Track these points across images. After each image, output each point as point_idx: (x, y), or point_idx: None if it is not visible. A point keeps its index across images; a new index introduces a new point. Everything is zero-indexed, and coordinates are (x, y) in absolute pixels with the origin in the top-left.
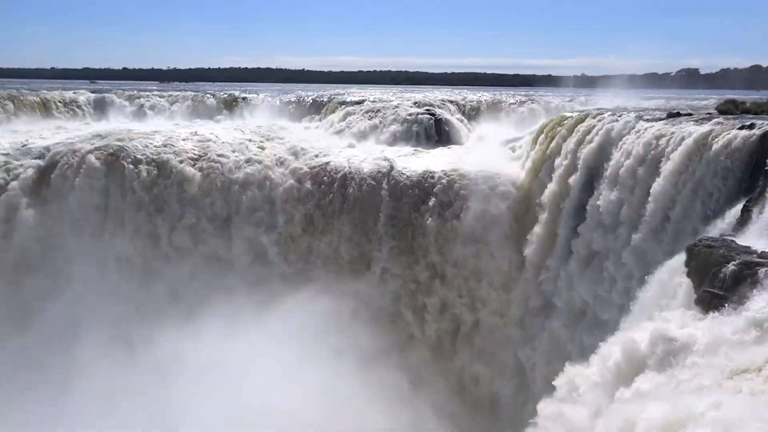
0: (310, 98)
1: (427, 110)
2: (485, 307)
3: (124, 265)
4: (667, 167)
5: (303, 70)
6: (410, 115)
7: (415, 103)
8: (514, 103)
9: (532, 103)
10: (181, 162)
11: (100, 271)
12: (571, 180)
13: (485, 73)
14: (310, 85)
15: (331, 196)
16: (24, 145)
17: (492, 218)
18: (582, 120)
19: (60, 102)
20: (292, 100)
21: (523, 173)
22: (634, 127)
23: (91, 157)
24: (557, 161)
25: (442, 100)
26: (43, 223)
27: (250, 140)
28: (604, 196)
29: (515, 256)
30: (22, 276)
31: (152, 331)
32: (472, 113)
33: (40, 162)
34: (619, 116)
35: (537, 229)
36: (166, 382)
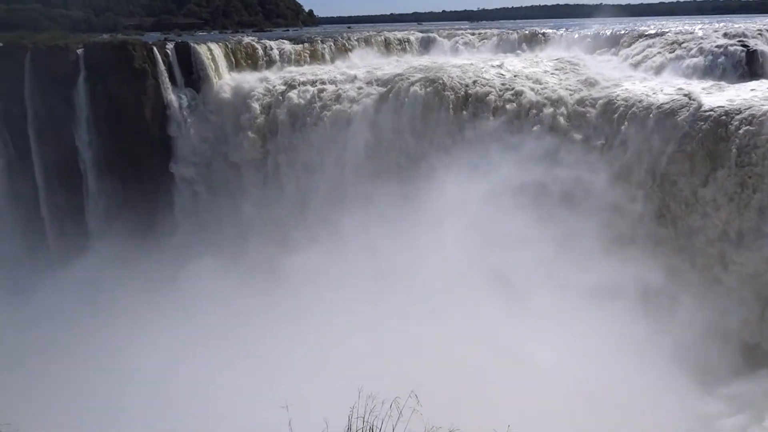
0: (607, 32)
1: (740, 41)
2: None
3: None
4: None
5: (600, 4)
6: (717, 46)
7: (724, 34)
8: None
9: None
10: (483, 87)
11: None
12: None
13: None
14: (609, 19)
15: (618, 128)
16: (372, 74)
17: None
18: None
19: (396, 41)
20: (588, 33)
21: None
22: None
23: (416, 84)
24: None
25: (760, 30)
26: (376, 134)
27: (545, 71)
28: None
29: None
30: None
31: None
32: None
33: (382, 88)
34: None
35: None
36: None
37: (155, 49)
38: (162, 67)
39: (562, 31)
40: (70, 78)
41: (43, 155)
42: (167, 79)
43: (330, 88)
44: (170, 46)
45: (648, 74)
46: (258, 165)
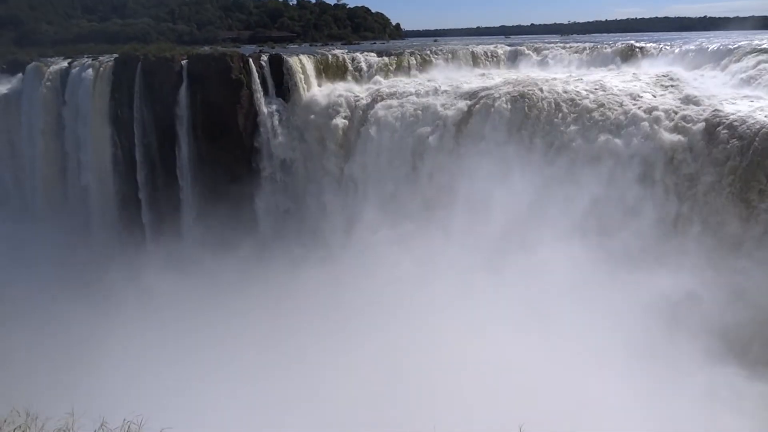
0: (712, 46)
1: None
2: None
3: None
4: None
5: (704, 17)
6: None
7: None
8: None
9: None
10: (573, 102)
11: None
12: None
13: None
14: (714, 33)
15: (725, 152)
16: (458, 88)
17: None
18: None
19: (483, 54)
20: (691, 48)
21: None
22: None
23: (503, 98)
24: None
25: None
26: (460, 147)
27: (641, 87)
28: None
29: None
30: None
31: None
32: None
33: (468, 101)
34: None
35: None
36: None
37: (251, 60)
38: (256, 77)
39: (660, 45)
40: (173, 86)
41: (145, 156)
42: (260, 89)
43: (415, 100)
44: (265, 58)
45: (761, 92)
46: (337, 173)
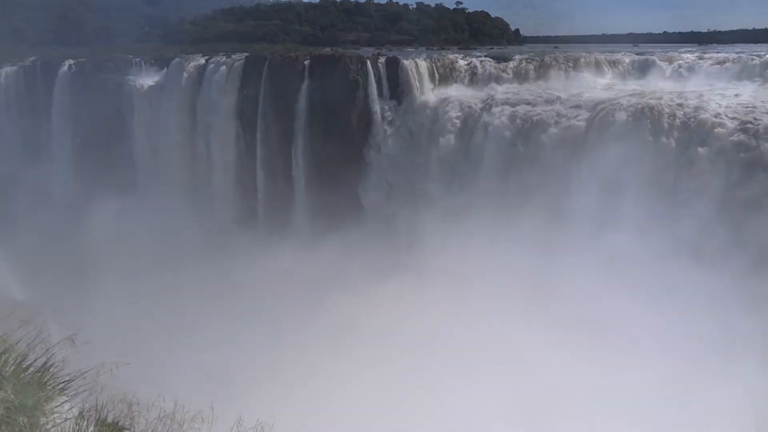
0: None
1: None
2: None
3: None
4: None
5: None
6: None
7: None
8: None
9: None
10: (709, 120)
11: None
12: None
13: None
14: None
15: None
16: (577, 97)
17: None
18: None
19: (607, 63)
20: None
21: None
22: None
23: (625, 111)
24: None
25: None
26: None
27: None
28: None
29: None
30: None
31: None
32: None
33: (587, 113)
34: None
35: None
36: None
37: (368, 62)
38: (372, 79)
39: None
40: (295, 84)
41: (265, 148)
42: (375, 90)
43: (529, 108)
44: (382, 60)
45: None
46: (445, 176)
